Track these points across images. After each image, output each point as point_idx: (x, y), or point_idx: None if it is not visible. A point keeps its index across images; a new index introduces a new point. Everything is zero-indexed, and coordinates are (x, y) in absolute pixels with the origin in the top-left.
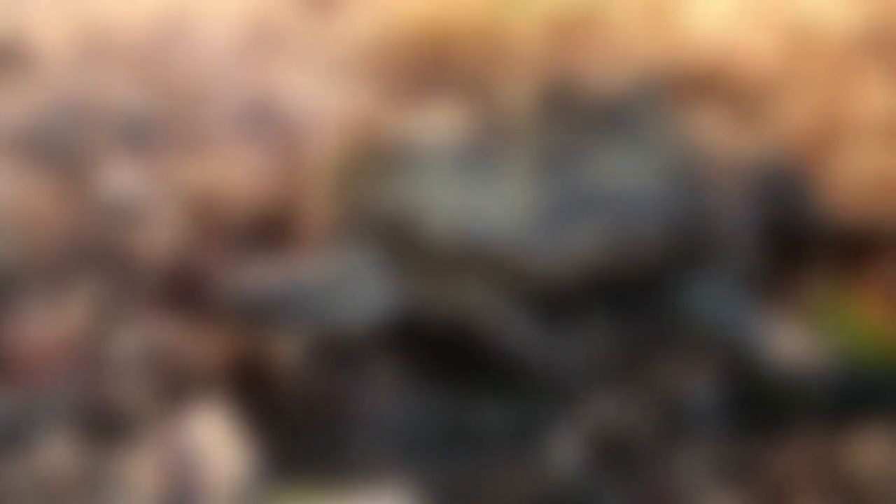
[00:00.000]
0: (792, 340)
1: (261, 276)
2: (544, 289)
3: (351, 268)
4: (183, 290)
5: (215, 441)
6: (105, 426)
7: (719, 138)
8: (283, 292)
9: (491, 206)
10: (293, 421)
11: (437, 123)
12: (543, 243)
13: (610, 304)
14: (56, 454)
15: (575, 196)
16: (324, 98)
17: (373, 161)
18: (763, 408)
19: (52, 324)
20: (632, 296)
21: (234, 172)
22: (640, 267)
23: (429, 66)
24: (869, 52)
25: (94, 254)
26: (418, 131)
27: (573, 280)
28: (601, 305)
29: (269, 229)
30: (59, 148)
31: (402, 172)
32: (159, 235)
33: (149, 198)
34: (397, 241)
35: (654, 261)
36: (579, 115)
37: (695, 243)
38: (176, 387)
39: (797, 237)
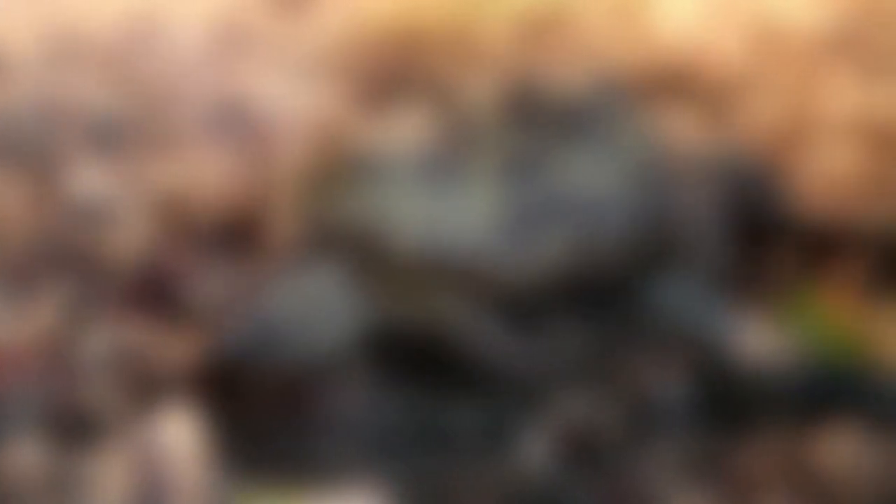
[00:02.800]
0: (759, 338)
1: (230, 284)
2: (514, 291)
3: (319, 274)
4: (151, 292)
5: (184, 442)
6: (74, 428)
7: (687, 138)
8: (252, 299)
9: (458, 212)
10: (262, 422)
11: (404, 129)
12: (512, 247)
13: (579, 305)
14: (25, 455)
15: (543, 199)
16: (292, 100)
17: (340, 167)
18: (731, 405)
19: (20, 325)
20: (601, 296)
21: (203, 174)
22: (609, 268)
23: (397, 68)
24: (835, 51)
25: (62, 255)
26: (385, 137)
27: (543, 282)
28: (571, 307)
29: (238, 231)
30: (29, 149)
31: (369, 179)
32: (128, 237)
33: (117, 199)
34: (364, 247)
35: (623, 261)
36: (547, 118)
37: (663, 243)
38: (144, 388)
39: (764, 235)
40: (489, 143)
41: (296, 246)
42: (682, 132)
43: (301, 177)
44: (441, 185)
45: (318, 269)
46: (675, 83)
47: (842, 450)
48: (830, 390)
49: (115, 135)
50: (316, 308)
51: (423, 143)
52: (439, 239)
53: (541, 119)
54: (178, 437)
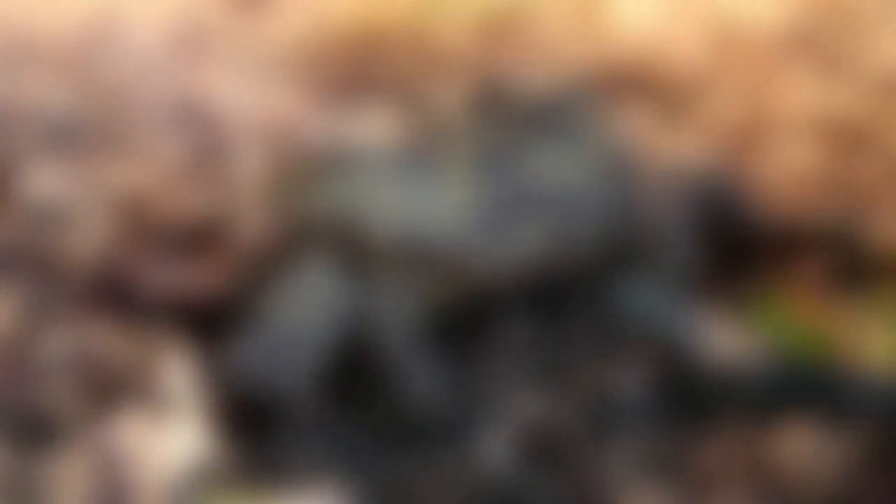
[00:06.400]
0: (723, 337)
1: (193, 282)
2: (482, 287)
3: (289, 272)
4: (111, 293)
5: (146, 443)
6: (33, 429)
7: (650, 136)
8: (227, 295)
9: (428, 208)
10: (226, 422)
11: (371, 126)
12: (481, 243)
13: (542, 304)
14: None
15: (510, 195)
16: (254, 100)
17: (300, 166)
18: (693, 403)
19: None
20: (564, 294)
21: (163, 175)
22: (573, 265)
23: (361, 67)
24: (795, 50)
25: (21, 256)
26: (352, 134)
27: (508, 279)
28: (534, 305)
29: (197, 231)
30: None
31: (336, 177)
32: (87, 238)
33: (76, 200)
34: (336, 243)
35: (586, 259)
36: (512, 115)
37: (628, 241)
38: (104, 389)
39: (728, 234)
40: (457, 140)
41: (263, 247)
42: (645, 129)
43: (260, 176)
44: (410, 183)
45: (289, 268)
46: (636, 81)
47: (802, 447)
48: (792, 388)
49: (74, 136)
50: (290, 307)
51: (391, 140)
52: (411, 236)
53: (507, 116)
54: (140, 437)
